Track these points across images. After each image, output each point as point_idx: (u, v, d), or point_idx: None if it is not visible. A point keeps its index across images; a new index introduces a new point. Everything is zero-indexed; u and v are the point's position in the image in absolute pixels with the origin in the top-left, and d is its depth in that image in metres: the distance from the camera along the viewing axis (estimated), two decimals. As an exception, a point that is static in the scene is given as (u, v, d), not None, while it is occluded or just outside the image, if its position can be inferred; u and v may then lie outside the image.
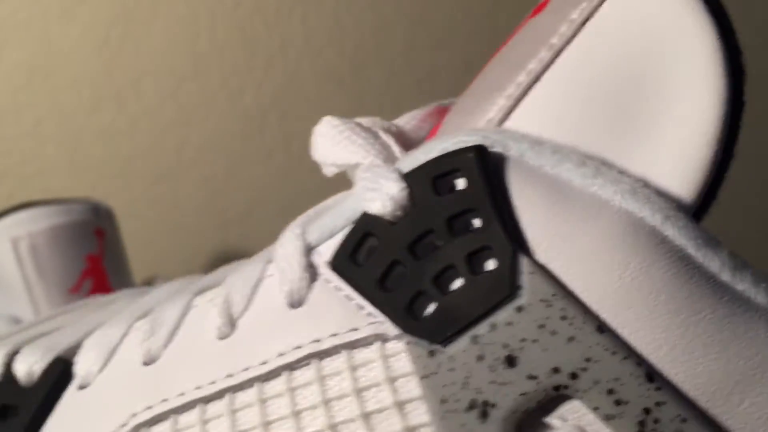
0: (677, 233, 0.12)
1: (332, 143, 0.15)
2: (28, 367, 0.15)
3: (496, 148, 0.13)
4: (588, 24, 0.13)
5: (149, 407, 0.14)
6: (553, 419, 0.12)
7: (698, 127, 0.12)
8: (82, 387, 0.15)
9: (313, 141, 0.16)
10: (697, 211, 0.13)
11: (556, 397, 0.12)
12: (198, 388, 0.13)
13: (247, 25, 0.41)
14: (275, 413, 0.13)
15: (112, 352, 0.15)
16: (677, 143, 0.12)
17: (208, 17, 0.41)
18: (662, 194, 0.12)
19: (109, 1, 0.40)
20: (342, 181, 0.51)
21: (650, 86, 0.13)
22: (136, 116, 0.41)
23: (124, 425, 0.14)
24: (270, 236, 0.46)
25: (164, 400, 0.14)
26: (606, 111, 0.13)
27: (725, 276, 0.12)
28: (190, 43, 0.40)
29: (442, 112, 0.16)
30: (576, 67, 0.13)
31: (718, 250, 0.12)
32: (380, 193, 0.13)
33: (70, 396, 0.15)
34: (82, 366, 0.15)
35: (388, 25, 0.42)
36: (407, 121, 0.16)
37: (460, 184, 0.13)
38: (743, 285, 0.12)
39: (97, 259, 0.32)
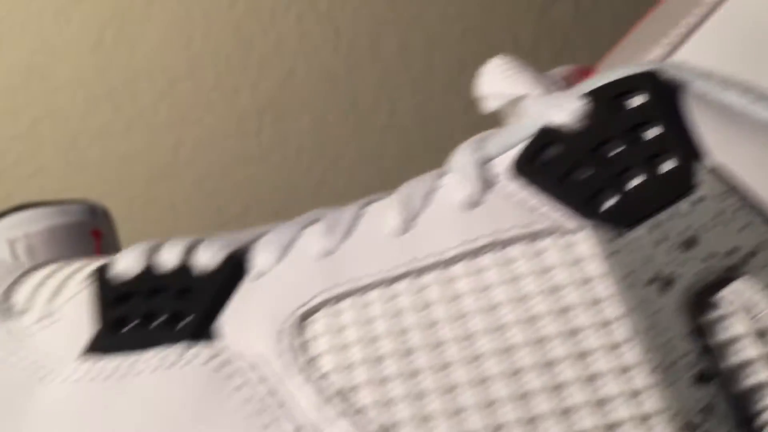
0: None
1: (502, 77, 0.17)
2: (206, 259, 0.16)
3: (665, 77, 0.15)
4: None
5: (331, 288, 0.15)
6: (722, 298, 0.13)
7: None
8: (258, 277, 0.16)
9: (479, 78, 0.17)
10: None
11: (726, 279, 0.13)
12: (380, 271, 0.15)
13: (242, 24, 0.41)
14: (461, 290, 0.14)
15: (287, 248, 0.16)
16: None
17: (202, 17, 0.41)
18: None
19: (104, 1, 0.40)
20: (335, 179, 0.51)
21: None
22: (131, 116, 0.40)
23: (304, 305, 0.15)
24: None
25: (346, 282, 0.15)
26: (761, 54, 0.15)
27: None
28: (185, 42, 0.40)
29: (584, 71, 0.17)
30: (731, 18, 0.15)
31: None
32: (562, 108, 0.15)
33: (246, 285, 0.16)
34: (257, 260, 0.16)
35: (382, 24, 0.42)
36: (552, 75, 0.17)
37: (636, 101, 0.15)
38: None
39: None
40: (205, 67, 0.41)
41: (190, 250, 0.16)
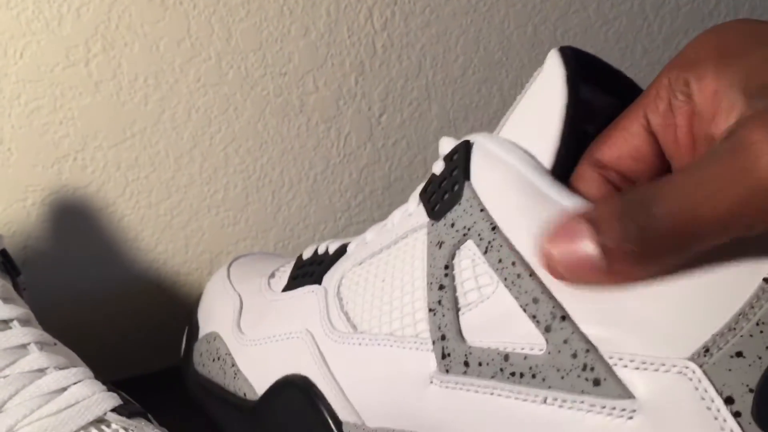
0: None
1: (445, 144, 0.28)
2: (332, 249, 0.32)
3: (471, 142, 0.26)
4: None
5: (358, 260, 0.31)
6: (461, 249, 0.25)
7: None
8: (348, 256, 0.31)
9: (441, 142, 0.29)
10: None
11: (464, 240, 0.25)
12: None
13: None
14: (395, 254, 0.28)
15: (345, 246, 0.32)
16: None
17: (14, -59, 0.39)
18: None
19: None
20: (174, 107, 0.50)
21: None
22: (-55, 50, 0.38)
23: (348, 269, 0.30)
24: (106, 168, 0.45)
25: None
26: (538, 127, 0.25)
27: None
28: (-2, -31, 0.38)
29: None
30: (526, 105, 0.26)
31: None
32: (438, 162, 0.28)
33: (343, 257, 0.31)
34: (349, 248, 0.31)
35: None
36: None
37: (456, 156, 0.27)
38: None
39: None
40: (23, -6, 0.39)
41: (328, 246, 0.32)
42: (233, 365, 0.32)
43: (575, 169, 0.24)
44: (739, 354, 0.19)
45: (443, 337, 0.24)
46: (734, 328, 0.19)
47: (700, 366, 0.19)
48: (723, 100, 0.21)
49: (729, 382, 0.19)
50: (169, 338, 0.42)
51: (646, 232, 0.19)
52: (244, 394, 0.31)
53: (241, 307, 0.34)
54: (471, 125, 0.52)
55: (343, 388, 0.27)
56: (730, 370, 0.19)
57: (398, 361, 0.25)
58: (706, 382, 0.19)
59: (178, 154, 0.44)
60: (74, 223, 0.43)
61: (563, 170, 0.23)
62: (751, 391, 0.18)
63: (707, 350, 0.19)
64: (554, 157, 0.23)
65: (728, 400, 0.19)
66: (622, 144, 0.23)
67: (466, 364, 0.23)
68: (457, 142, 0.26)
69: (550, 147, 0.23)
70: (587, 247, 0.20)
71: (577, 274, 0.20)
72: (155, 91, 0.43)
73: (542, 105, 0.23)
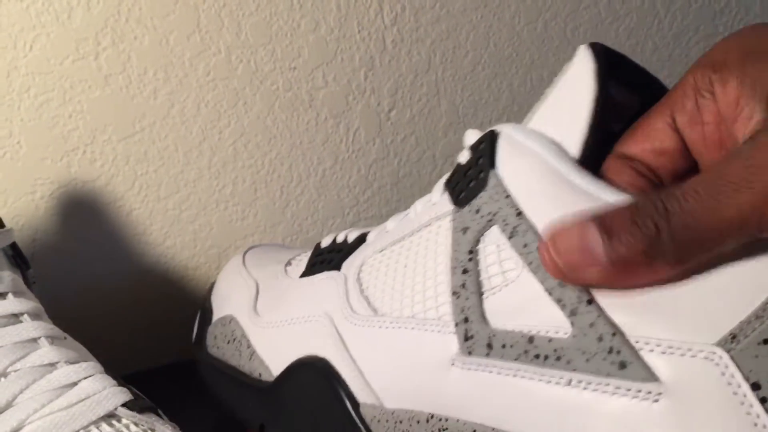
0: None
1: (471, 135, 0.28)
2: (351, 237, 0.32)
3: (496, 131, 0.26)
4: None
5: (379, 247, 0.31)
6: (486, 235, 0.25)
7: None
8: (366, 246, 0.30)
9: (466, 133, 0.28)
10: None
11: (489, 225, 0.25)
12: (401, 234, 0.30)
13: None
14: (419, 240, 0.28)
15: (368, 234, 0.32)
16: None
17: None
18: None
19: None
20: (183, 100, 0.50)
21: None
22: (-45, 42, 0.38)
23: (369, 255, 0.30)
24: (115, 161, 0.45)
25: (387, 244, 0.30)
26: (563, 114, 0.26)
27: None
28: (8, -38, 0.38)
29: None
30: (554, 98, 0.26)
31: None
32: (463, 153, 0.27)
33: (362, 245, 0.31)
34: (368, 238, 0.31)
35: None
36: None
37: (483, 146, 0.26)
38: None
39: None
40: (33, -13, 0.39)
41: (347, 235, 0.32)
42: (249, 346, 0.32)
43: (603, 164, 0.24)
44: (766, 341, 0.19)
45: (466, 320, 0.24)
46: (761, 316, 0.19)
47: (728, 352, 0.19)
48: (744, 108, 0.21)
49: (756, 368, 0.19)
50: (177, 332, 0.42)
51: (663, 232, 0.19)
52: (260, 375, 0.31)
53: (258, 292, 0.34)
54: (480, 121, 0.52)
55: (362, 370, 0.27)
56: (757, 356, 0.19)
57: (420, 343, 0.25)
58: (733, 368, 0.19)
59: (187, 148, 0.44)
60: (83, 216, 0.43)
61: (589, 162, 0.23)
62: None
63: (734, 337, 0.19)
64: (581, 148, 0.23)
65: (755, 386, 0.19)
66: (646, 140, 0.24)
67: (489, 346, 0.23)
68: (483, 133, 0.26)
69: (578, 138, 0.23)
70: (595, 247, 0.20)
71: (577, 272, 0.20)
72: (164, 84, 0.43)
73: (571, 98, 0.23)
